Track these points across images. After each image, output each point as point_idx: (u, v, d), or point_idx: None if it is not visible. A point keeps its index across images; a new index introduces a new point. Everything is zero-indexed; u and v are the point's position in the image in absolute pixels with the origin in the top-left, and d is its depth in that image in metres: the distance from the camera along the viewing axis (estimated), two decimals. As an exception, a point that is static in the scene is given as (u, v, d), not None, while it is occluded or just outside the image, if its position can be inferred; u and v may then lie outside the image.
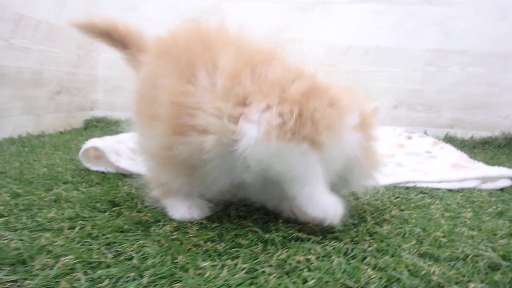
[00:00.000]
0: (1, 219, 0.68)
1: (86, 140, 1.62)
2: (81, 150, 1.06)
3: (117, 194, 0.84)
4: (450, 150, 1.28)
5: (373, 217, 0.73)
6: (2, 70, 1.55)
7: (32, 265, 0.50)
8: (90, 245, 0.57)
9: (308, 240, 0.61)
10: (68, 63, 1.92)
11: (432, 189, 0.97)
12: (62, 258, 0.52)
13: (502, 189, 0.99)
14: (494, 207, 0.82)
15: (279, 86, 0.60)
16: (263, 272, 0.50)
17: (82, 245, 0.57)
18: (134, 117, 0.75)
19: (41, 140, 1.59)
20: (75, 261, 0.52)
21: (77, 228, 0.63)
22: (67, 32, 1.88)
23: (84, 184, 0.93)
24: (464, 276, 0.50)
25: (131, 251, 0.56)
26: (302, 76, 0.62)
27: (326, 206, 0.60)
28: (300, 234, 0.63)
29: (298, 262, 0.53)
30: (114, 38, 0.86)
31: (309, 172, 0.59)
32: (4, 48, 1.54)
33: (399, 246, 0.59)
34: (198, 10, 2.10)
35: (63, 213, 0.71)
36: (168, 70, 0.64)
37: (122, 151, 1.09)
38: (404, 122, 1.99)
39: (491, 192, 0.95)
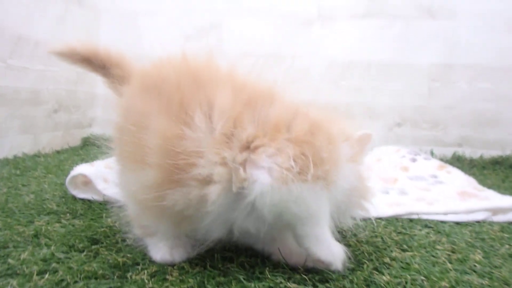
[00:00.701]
0: (-30, 261, 0.63)
1: (81, 160, 1.60)
2: (68, 177, 1.02)
3: (99, 228, 0.79)
4: (458, 175, 1.21)
5: (371, 260, 0.67)
6: (0, 90, 1.53)
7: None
8: (57, 297, 0.52)
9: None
10: (67, 81, 1.90)
11: (438, 222, 0.90)
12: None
13: (514, 223, 0.92)
14: (507, 246, 0.75)
15: (283, 128, 0.57)
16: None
17: (48, 296, 0.52)
18: (116, 154, 0.69)
19: (36, 160, 1.56)
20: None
21: (47, 274, 0.59)
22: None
23: (67, 214, 0.89)
24: None
25: (101, 304, 0.50)
26: (299, 113, 0.60)
27: (334, 249, 0.59)
28: (289, 284, 0.57)
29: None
30: (95, 64, 0.83)
31: (322, 211, 0.58)
32: (2, 68, 1.52)
33: (398, 301, 0.53)
34: (199, 26, 2.08)
35: (38, 253, 0.67)
36: (158, 110, 0.58)
37: (110, 177, 1.05)
38: (408, 140, 1.92)
39: (503, 227, 0.88)
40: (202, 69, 0.63)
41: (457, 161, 1.77)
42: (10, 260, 0.64)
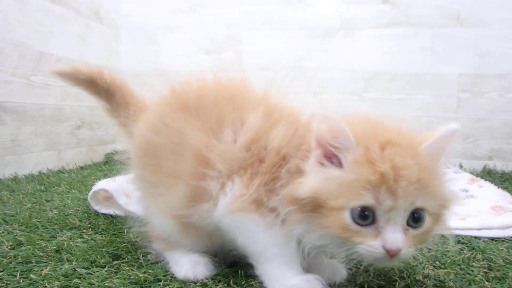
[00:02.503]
0: (-6, 275, 0.63)
1: (105, 176, 1.61)
2: (90, 192, 1.03)
3: (120, 244, 0.78)
4: (490, 189, 1.16)
5: (403, 277, 0.63)
6: (24, 107, 1.56)
7: None
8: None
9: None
10: (89, 98, 1.91)
11: (472, 238, 0.85)
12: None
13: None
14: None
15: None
16: None
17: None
18: (139, 171, 0.70)
19: (60, 176, 1.58)
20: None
21: (68, 290, 0.58)
22: (89, 67, 1.91)
23: (90, 230, 0.89)
24: None
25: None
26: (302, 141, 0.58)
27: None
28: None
29: None
30: (99, 86, 0.84)
31: (271, 248, 0.57)
32: (25, 85, 1.56)
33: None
34: (217, 40, 2.09)
35: (60, 269, 0.66)
36: (197, 127, 0.62)
37: (131, 193, 1.04)
38: (436, 154, 1.86)
39: (541, 241, 0.83)
40: (238, 91, 0.66)
41: (488, 175, 1.69)
42: (32, 276, 0.63)
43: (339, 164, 0.52)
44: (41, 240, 0.80)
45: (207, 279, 0.62)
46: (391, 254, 0.49)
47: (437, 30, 1.87)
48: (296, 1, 2.01)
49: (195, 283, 0.61)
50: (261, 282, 0.59)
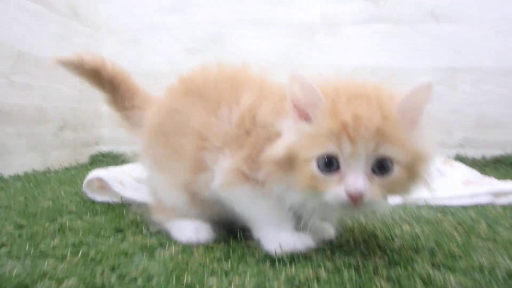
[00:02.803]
0: (3, 248, 0.67)
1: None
2: (85, 181, 1.06)
3: (122, 221, 0.83)
4: (461, 168, 1.26)
5: (384, 232, 0.71)
6: (4, 107, 1.55)
7: (35, 289, 0.49)
8: (94, 269, 0.56)
9: (317, 256, 0.59)
10: (71, 99, 1.94)
11: (444, 206, 0.94)
12: (65, 281, 0.51)
13: (516, 204, 0.96)
14: (509, 221, 0.80)
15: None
16: (271, 286, 0.48)
17: (85, 269, 0.56)
18: (150, 149, 0.76)
19: (47, 176, 1.59)
20: (78, 283, 0.50)
21: (80, 253, 0.62)
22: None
23: (88, 214, 0.92)
24: (481, 285, 0.48)
25: (136, 273, 0.54)
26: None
27: (284, 242, 0.60)
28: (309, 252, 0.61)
29: (307, 277, 0.51)
30: (102, 77, 0.86)
31: (264, 213, 0.63)
32: (5, 85, 1.54)
33: (412, 258, 0.57)
34: (201, 39, 2.12)
35: (66, 241, 0.70)
36: (200, 108, 0.69)
37: (126, 181, 1.09)
38: (412, 142, 1.96)
39: (505, 207, 0.92)
40: (238, 75, 0.73)
41: (460, 161, 1.81)
42: (41, 246, 0.67)
43: (310, 118, 0.56)
44: (41, 223, 0.83)
45: (208, 242, 0.68)
46: (354, 198, 0.52)
47: (415, 26, 1.98)
48: (280, 0, 2.07)
49: (197, 245, 0.67)
50: (258, 243, 0.65)
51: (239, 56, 2.09)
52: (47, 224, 0.81)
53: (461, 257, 0.58)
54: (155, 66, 2.11)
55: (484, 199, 0.96)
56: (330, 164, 0.53)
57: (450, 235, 0.69)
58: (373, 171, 0.54)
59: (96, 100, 2.13)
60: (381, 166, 0.53)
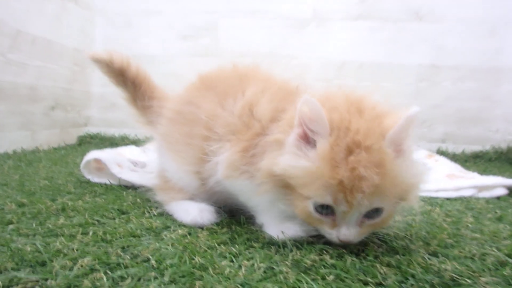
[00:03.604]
0: (11, 225, 0.68)
1: (82, 155, 1.63)
2: (83, 162, 1.07)
3: (123, 203, 0.84)
4: (445, 162, 1.31)
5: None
6: (0, 85, 1.55)
7: (52, 266, 0.51)
8: (106, 248, 0.57)
9: (319, 243, 0.62)
10: (64, 79, 1.93)
11: (431, 198, 0.99)
12: (81, 260, 0.52)
13: (498, 198, 1.02)
14: (493, 213, 0.85)
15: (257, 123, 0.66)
16: (280, 271, 0.51)
17: (97, 248, 0.58)
18: (167, 134, 0.80)
19: (36, 155, 1.58)
20: (94, 262, 0.52)
21: (90, 233, 0.64)
22: (63, 48, 1.90)
23: (88, 195, 0.93)
24: (474, 272, 0.52)
25: (147, 253, 0.56)
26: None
27: (286, 229, 0.63)
28: (310, 239, 0.64)
29: (313, 261, 0.54)
30: (127, 76, 0.90)
31: (264, 204, 0.66)
32: (2, 63, 1.54)
33: (408, 247, 0.61)
34: (195, 26, 2.14)
35: (72, 220, 0.71)
36: (211, 99, 0.73)
37: (124, 163, 1.10)
38: (396, 136, 2.02)
39: (488, 200, 0.98)
40: (248, 72, 0.76)
41: (441, 156, 1.88)
42: (48, 225, 0.68)
43: (314, 146, 0.56)
44: (43, 201, 0.84)
45: (212, 224, 0.71)
46: (344, 243, 0.58)
47: (400, 24, 2.04)
48: (274, -8, 2.10)
49: (202, 228, 0.69)
50: (260, 227, 0.68)
51: (231, 45, 2.13)
52: (48, 203, 0.82)
53: (453, 246, 0.62)
54: (149, 51, 2.11)
55: (468, 192, 1.01)
56: (326, 208, 0.56)
57: (440, 226, 0.73)
58: (364, 216, 0.57)
59: (87, 82, 2.13)
60: (372, 214, 0.57)
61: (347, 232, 0.56)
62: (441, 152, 1.94)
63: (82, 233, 0.64)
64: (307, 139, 0.57)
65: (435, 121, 2.03)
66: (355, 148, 0.54)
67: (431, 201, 0.95)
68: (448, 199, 1.00)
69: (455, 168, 1.25)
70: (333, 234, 0.58)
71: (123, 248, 0.59)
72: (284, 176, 0.57)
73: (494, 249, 0.61)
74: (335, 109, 0.57)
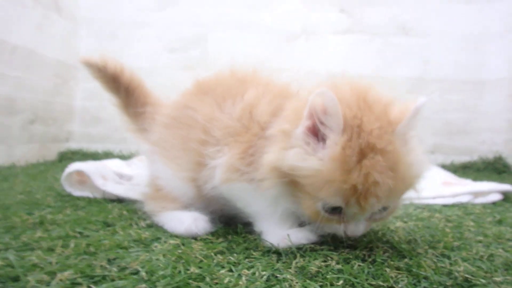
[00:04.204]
0: (-18, 240, 0.61)
1: (62, 171, 1.55)
2: (64, 174, 1.01)
3: (108, 215, 0.79)
4: (438, 171, 1.30)
5: (379, 228, 0.71)
6: (-25, 96, 1.47)
7: (27, 281, 0.45)
8: (90, 261, 0.52)
9: (322, 249, 0.59)
10: (44, 92, 1.86)
11: (428, 205, 0.97)
12: (60, 274, 0.47)
13: (494, 203, 1.01)
14: (492, 217, 0.83)
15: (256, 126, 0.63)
16: (284, 278, 0.47)
17: (80, 261, 0.52)
18: (162, 141, 0.76)
19: (12, 171, 1.50)
20: (76, 275, 0.47)
21: (72, 245, 0.58)
22: (45, 59, 1.84)
23: (69, 208, 0.87)
24: (486, 272, 0.50)
25: (136, 265, 0.51)
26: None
27: (287, 235, 0.60)
28: (312, 246, 0.60)
29: (319, 267, 0.50)
30: (120, 83, 0.87)
31: (264, 209, 0.62)
32: (-21, 73, 1.47)
33: (415, 251, 0.58)
34: (183, 39, 2.11)
35: (51, 233, 0.66)
36: (209, 103, 0.69)
37: (108, 175, 1.04)
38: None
39: (484, 206, 0.96)
40: (247, 76, 0.74)
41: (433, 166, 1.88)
42: (23, 239, 0.62)
43: (323, 140, 0.53)
44: (18, 216, 0.78)
45: (207, 234, 0.66)
46: (351, 237, 0.57)
47: (387, 38, 2.07)
48: (262, 6, 2.11)
49: (196, 239, 0.64)
50: (258, 236, 0.64)
51: (220, 58, 2.11)
52: (24, 217, 0.76)
53: (459, 248, 0.60)
54: (135, 63, 2.06)
55: (464, 198, 1.00)
56: (335, 210, 0.54)
57: (443, 230, 0.71)
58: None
59: (70, 95, 2.06)
60: (381, 210, 0.55)
61: (355, 228, 0.56)
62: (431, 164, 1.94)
63: (62, 246, 0.59)
64: (316, 134, 0.53)
65: (424, 133, 2.04)
66: (369, 151, 0.51)
67: (429, 208, 0.93)
68: (445, 205, 0.98)
69: (449, 176, 1.24)
70: (340, 229, 0.56)
71: (109, 260, 0.54)
72: (291, 173, 0.53)
73: (501, 250, 0.59)
74: (345, 103, 0.54)
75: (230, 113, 0.66)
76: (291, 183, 0.55)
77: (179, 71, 2.08)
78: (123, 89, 0.88)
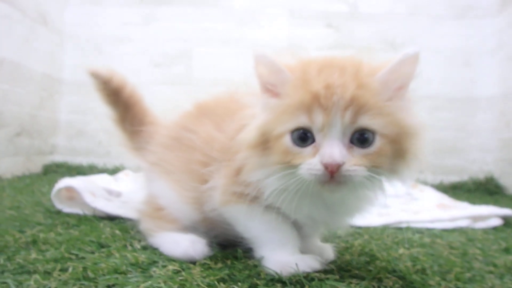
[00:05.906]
0: (-28, 262, 0.58)
1: (48, 184, 1.50)
2: (54, 190, 0.97)
3: (101, 235, 0.75)
4: (430, 192, 1.30)
5: (383, 255, 0.70)
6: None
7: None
8: (89, 287, 0.49)
9: (327, 279, 0.57)
10: (30, 105, 1.82)
11: (426, 230, 0.96)
12: (60, 302, 0.44)
13: (494, 228, 1.00)
14: (497, 244, 0.82)
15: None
16: (295, 310, 0.45)
17: (79, 287, 0.49)
18: (162, 161, 0.74)
19: (-2, 184, 1.45)
20: (76, 304, 0.44)
21: (70, 269, 0.55)
22: (31, 72, 1.80)
23: (59, 226, 0.84)
24: (503, 308, 0.48)
25: (139, 292, 0.48)
26: None
27: (287, 262, 0.57)
28: (317, 275, 0.58)
29: (329, 299, 0.48)
30: (120, 97, 0.85)
31: (263, 233, 0.61)
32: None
33: (426, 282, 0.56)
34: (168, 54, 2.10)
35: (45, 255, 0.62)
36: (209, 124, 0.69)
37: (97, 192, 1.01)
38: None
39: (485, 231, 0.95)
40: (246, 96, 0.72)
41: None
42: (19, 260, 0.59)
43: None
44: (9, 234, 0.74)
45: (205, 259, 0.63)
46: (330, 169, 0.48)
47: (375, 54, 2.07)
48: (247, 21, 2.10)
49: (194, 263, 0.62)
50: (258, 262, 0.62)
51: (204, 73, 2.09)
52: (17, 235, 0.72)
53: (472, 280, 0.58)
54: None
55: (463, 223, 0.99)
56: (304, 137, 0.51)
57: (448, 258, 0.70)
58: (352, 142, 0.50)
59: (55, 108, 2.02)
60: (361, 138, 0.50)
61: (330, 150, 0.49)
62: (419, 183, 1.94)
63: (59, 270, 0.56)
64: (275, 96, 0.55)
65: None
66: (326, 67, 0.52)
67: (429, 232, 0.92)
68: (445, 230, 0.97)
69: (442, 198, 1.24)
70: (315, 162, 0.49)
71: (108, 286, 0.51)
72: (260, 133, 0.54)
73: (515, 283, 0.57)
74: (299, 61, 0.57)
75: (227, 132, 0.65)
76: (265, 149, 0.54)
77: (164, 86, 2.07)
78: (122, 103, 0.86)
